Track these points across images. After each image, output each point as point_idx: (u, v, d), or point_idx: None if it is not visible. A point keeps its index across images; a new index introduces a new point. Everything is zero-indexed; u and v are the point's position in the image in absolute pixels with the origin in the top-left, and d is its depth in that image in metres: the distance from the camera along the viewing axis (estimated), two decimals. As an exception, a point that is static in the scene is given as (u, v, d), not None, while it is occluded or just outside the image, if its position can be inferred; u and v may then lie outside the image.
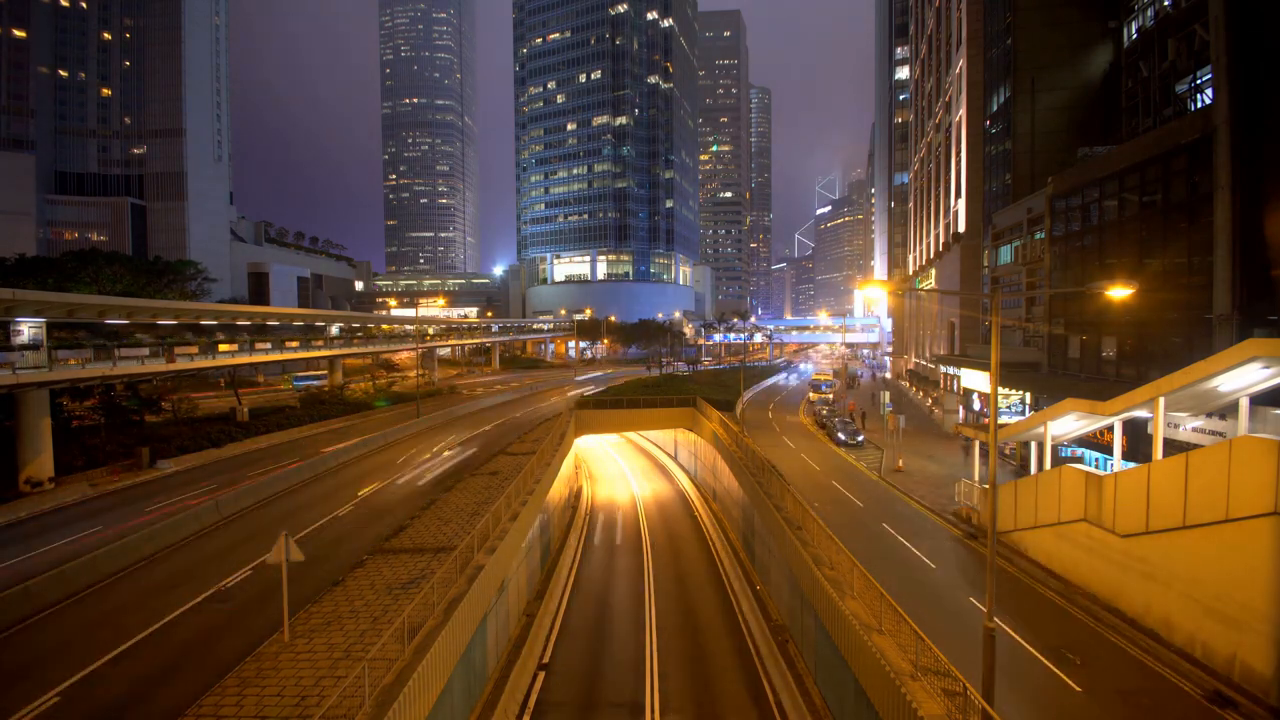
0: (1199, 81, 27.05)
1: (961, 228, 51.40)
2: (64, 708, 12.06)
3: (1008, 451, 34.39)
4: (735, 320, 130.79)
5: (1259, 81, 21.25)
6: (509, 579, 19.33)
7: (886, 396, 44.81)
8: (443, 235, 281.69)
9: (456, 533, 20.43)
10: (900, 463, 35.35)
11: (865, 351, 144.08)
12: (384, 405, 54.90)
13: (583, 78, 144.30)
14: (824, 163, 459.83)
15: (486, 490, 25.71)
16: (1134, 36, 33.99)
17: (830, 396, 60.21)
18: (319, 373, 70.21)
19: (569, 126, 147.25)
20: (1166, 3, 30.01)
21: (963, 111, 50.01)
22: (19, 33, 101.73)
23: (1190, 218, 23.92)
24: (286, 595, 13.93)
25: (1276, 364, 14.62)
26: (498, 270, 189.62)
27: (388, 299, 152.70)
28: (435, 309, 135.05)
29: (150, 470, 31.72)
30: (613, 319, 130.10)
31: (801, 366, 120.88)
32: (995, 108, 43.92)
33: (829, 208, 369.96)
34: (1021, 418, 31.79)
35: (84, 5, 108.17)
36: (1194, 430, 20.89)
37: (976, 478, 27.50)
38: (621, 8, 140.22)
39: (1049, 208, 33.30)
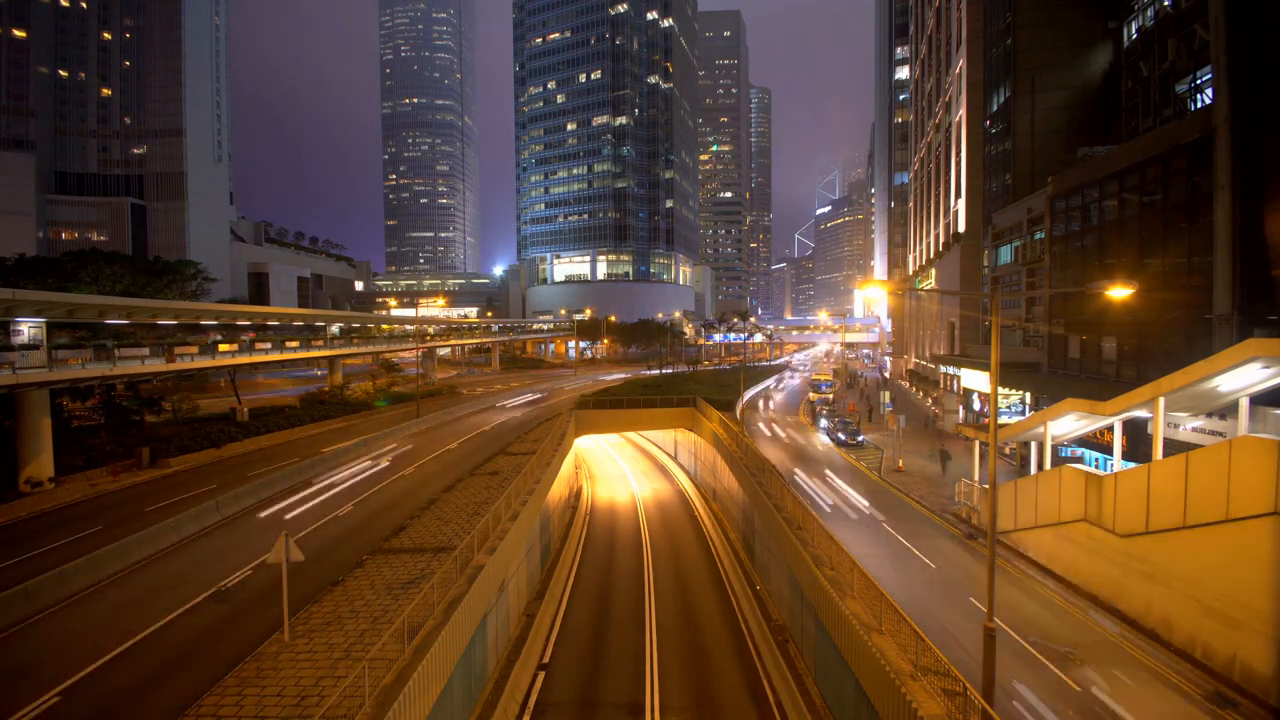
0: (1199, 81, 27.06)
1: (961, 228, 51.38)
2: (65, 707, 12.07)
3: (1008, 451, 34.37)
4: (735, 320, 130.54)
5: (1259, 81, 21.25)
6: (509, 579, 19.32)
7: (886, 396, 44.82)
8: (443, 235, 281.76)
9: (456, 532, 20.42)
10: (900, 463, 35.35)
11: (865, 351, 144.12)
12: (384, 405, 54.89)
13: (583, 78, 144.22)
14: (824, 163, 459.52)
15: (486, 490, 25.70)
16: (1134, 37, 34.00)
17: (830, 396, 60.25)
18: (319, 372, 70.20)
19: (569, 126, 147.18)
20: (1166, 3, 30.02)
21: (963, 111, 49.99)
22: (19, 33, 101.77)
23: (1190, 218, 23.91)
24: (286, 595, 13.93)
25: (1276, 364, 14.62)
26: (498, 270, 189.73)
27: (388, 299, 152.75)
28: (435, 309, 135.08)
29: (150, 470, 31.72)
30: (613, 319, 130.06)
31: (800, 364, 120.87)
32: (995, 108, 43.91)
33: (829, 208, 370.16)
34: (1021, 418, 31.78)
35: (84, 5, 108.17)
36: (1194, 430, 20.88)
37: (976, 478, 27.50)
38: (621, 8, 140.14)
39: (1049, 208, 33.29)
